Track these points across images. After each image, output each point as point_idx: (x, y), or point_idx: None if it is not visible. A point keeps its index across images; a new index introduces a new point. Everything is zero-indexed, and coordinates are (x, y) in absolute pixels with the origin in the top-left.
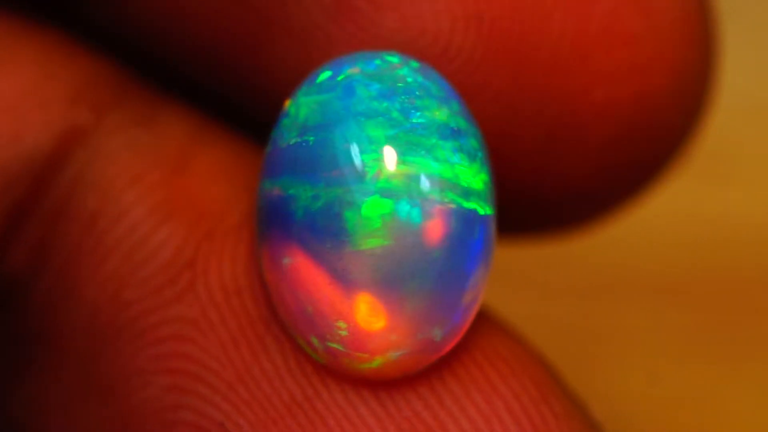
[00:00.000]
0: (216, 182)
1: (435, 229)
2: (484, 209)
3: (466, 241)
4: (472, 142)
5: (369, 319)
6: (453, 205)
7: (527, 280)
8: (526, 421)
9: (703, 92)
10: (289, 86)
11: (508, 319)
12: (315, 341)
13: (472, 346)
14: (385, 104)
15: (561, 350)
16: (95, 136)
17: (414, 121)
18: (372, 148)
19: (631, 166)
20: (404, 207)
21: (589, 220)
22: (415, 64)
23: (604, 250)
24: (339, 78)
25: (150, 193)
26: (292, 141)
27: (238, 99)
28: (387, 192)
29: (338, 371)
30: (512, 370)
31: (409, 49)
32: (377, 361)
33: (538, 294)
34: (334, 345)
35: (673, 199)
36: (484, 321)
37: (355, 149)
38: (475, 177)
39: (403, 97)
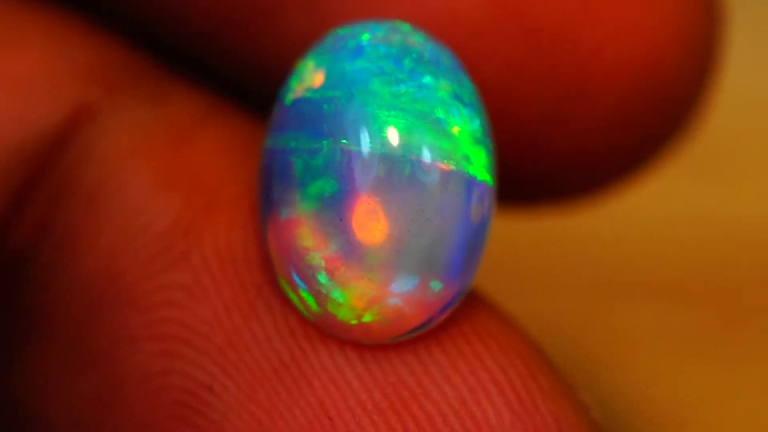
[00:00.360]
0: (219, 158)
1: (435, 187)
2: (485, 177)
3: (465, 203)
4: (476, 115)
5: (365, 268)
6: (453, 167)
7: (527, 280)
8: (512, 395)
9: (709, 61)
10: (295, 58)
11: None
12: (308, 297)
13: (460, 321)
14: (392, 65)
15: (561, 350)
16: (103, 115)
17: (421, 81)
18: (377, 103)
19: (641, 130)
20: (406, 163)
21: (596, 191)
22: (424, 34)
23: (604, 250)
24: (349, 39)
25: (150, 165)
26: (298, 97)
27: (247, 75)
28: (389, 148)
29: (328, 328)
30: (500, 346)
31: (417, 16)
32: (367, 316)
33: (538, 294)
34: (326, 292)
35: (674, 197)
36: (474, 300)
37: (359, 105)
38: (476, 147)
39: (411, 57)
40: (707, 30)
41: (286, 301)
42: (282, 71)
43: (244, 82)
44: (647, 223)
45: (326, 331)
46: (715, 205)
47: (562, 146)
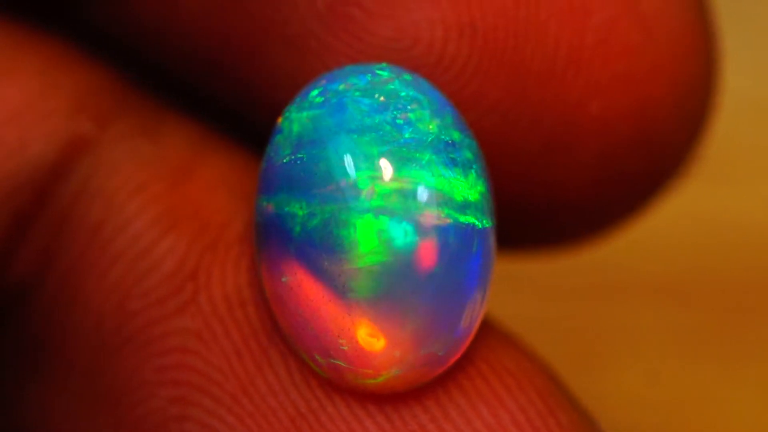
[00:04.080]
0: (219, 192)
1: (432, 246)
2: (482, 222)
3: (464, 256)
4: (467, 154)
5: (370, 339)
6: (449, 220)
7: (527, 281)
8: None
9: (703, 104)
10: (283, 93)
11: (508, 320)
12: (318, 357)
13: (477, 359)
14: (377, 119)
15: (561, 351)
16: (98, 146)
17: (407, 136)
18: (365, 164)
19: (629, 179)
20: (400, 224)
21: (588, 235)
22: (407, 76)
23: (604, 251)
24: (330, 94)
25: (153, 203)
26: (286, 159)
27: (235, 106)
28: (382, 209)
29: (343, 386)
30: (518, 383)
31: (402, 58)
32: (382, 377)
33: (539, 295)
34: (338, 361)
35: (673, 199)
36: (489, 332)
37: (348, 166)
38: (470, 189)
39: (395, 111)
40: (700, 77)
41: None
42: (269, 101)
43: (233, 111)
44: (647, 223)
45: (341, 386)
46: (715, 206)
47: (549, 192)
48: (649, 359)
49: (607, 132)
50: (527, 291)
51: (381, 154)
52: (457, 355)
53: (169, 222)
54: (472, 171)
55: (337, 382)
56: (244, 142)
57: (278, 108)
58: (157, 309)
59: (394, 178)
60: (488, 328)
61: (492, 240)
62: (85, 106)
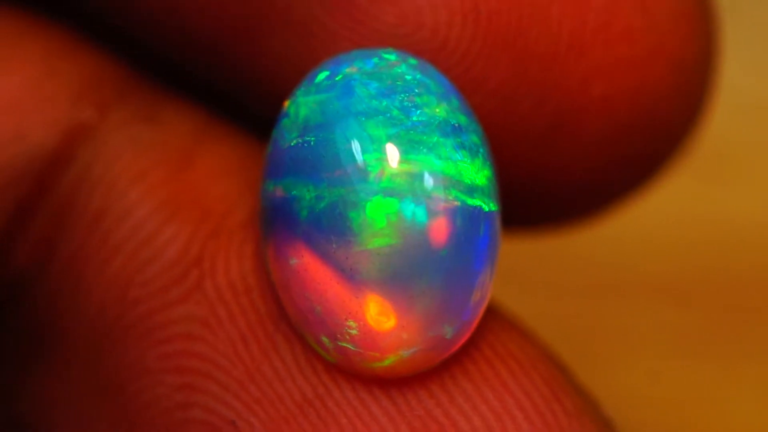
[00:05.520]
0: (221, 179)
1: (441, 228)
2: (489, 205)
3: (472, 238)
4: (474, 138)
5: (379, 319)
6: (457, 203)
7: (528, 280)
8: (537, 419)
9: (702, 87)
10: (287, 80)
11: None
12: (325, 341)
13: (482, 344)
14: (384, 103)
15: (561, 350)
16: (99, 133)
17: (414, 119)
18: (374, 147)
19: (630, 160)
20: (409, 205)
21: (588, 215)
22: (413, 61)
23: (604, 250)
24: (337, 77)
25: (155, 190)
26: (293, 142)
27: (238, 93)
28: (391, 191)
29: (349, 370)
30: (523, 368)
31: (407, 43)
32: (389, 360)
33: (539, 293)
34: (345, 344)
35: (674, 199)
36: (495, 318)
37: (356, 149)
38: (477, 173)
39: (402, 95)
40: (700, 60)
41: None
42: (272, 88)
43: (235, 98)
44: (647, 224)
45: (347, 371)
46: (714, 206)
47: (551, 173)
48: (649, 359)
49: (609, 114)
50: (527, 290)
51: (389, 137)
52: (464, 339)
53: (170, 209)
54: (479, 155)
55: (344, 366)
56: (246, 129)
57: (281, 94)
58: (160, 297)
59: (403, 161)
60: (493, 314)
61: (498, 224)
62: (87, 93)
